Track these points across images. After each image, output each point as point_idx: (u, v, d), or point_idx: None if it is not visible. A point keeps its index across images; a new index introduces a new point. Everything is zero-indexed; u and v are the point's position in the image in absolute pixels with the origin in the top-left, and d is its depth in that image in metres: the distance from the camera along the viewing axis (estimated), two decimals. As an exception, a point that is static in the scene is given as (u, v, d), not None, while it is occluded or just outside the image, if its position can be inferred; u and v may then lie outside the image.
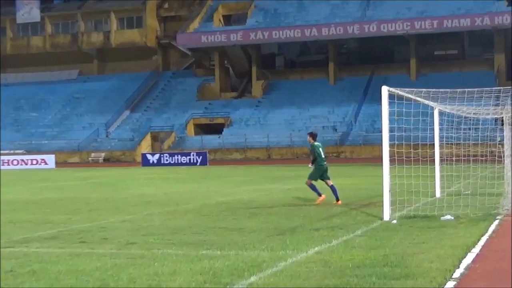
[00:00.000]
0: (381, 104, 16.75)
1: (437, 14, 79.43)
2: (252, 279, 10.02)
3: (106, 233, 15.43)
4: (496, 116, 25.05)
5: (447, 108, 22.01)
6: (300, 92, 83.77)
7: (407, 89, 18.00)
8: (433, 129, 22.36)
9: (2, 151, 73.08)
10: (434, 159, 22.12)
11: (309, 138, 21.81)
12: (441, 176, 22.46)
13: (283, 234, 14.61)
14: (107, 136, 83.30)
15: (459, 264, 10.83)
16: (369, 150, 69.91)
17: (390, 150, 16.77)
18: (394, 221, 16.05)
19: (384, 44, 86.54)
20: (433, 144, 22.39)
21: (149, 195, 26.94)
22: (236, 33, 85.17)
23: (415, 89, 18.47)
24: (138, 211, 20.35)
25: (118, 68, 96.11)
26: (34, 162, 68.75)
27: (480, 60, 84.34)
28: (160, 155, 67.11)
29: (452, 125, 23.40)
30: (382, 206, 16.69)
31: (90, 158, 78.19)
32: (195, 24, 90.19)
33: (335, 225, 15.90)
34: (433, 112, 22.19)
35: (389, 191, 16.62)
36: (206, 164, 63.56)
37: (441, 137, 22.92)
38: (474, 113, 23.09)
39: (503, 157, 21.12)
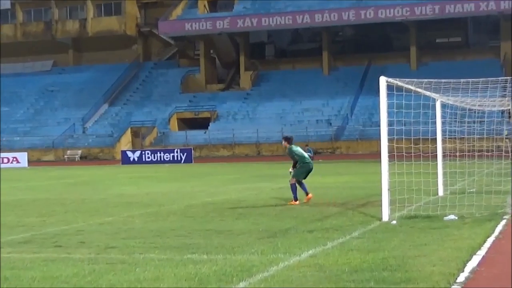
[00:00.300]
0: (379, 96, 16.76)
1: (439, -2, 79.63)
2: (241, 285, 10.02)
3: (84, 236, 15.40)
4: (502, 108, 25.18)
5: (450, 100, 22.07)
6: (292, 84, 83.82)
7: (407, 80, 18.03)
8: (435, 123, 22.42)
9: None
10: (436, 155, 22.15)
11: (284, 143, 22.30)
12: (444, 173, 22.52)
13: (274, 236, 14.62)
14: (84, 132, 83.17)
15: (464, 267, 10.85)
16: (366, 146, 70.06)
17: (389, 146, 16.79)
18: (394, 222, 16.08)
19: (382, 31, 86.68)
20: (435, 138, 22.45)
21: (130, 196, 26.92)
22: (222, 20, 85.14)
23: (415, 80, 18.48)
24: (118, 213, 20.33)
25: (96, 58, 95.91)
26: (5, 160, 68.63)
27: (485, 48, 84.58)
28: (141, 152, 67.15)
29: (456, 118, 23.49)
30: (381, 205, 16.72)
31: (65, 156, 78.06)
32: (178, 11, 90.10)
33: (330, 226, 15.92)
34: (435, 104, 22.25)
35: (388, 189, 16.65)
36: (191, 162, 63.62)
37: (443, 131, 22.99)
38: (479, 105, 23.18)
39: (510, 152, 21.20)
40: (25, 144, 78.98)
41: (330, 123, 76.29)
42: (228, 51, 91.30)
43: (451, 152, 23.87)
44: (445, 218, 16.52)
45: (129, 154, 67.45)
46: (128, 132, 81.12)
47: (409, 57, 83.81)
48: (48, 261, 12.27)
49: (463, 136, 25.27)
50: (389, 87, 16.94)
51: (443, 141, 22.82)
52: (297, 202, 21.38)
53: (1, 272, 11.25)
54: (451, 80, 19.17)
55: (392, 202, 16.99)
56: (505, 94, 22.87)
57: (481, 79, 19.16)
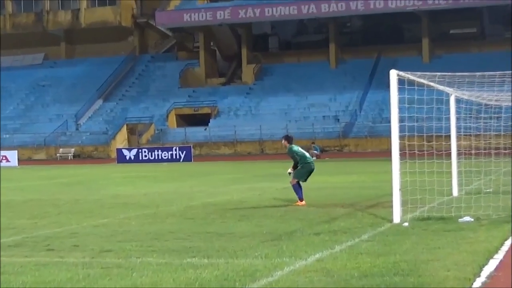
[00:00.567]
0: (389, 90, 16.77)
1: (453, -13, 79.59)
2: (244, 290, 10.05)
3: (77, 239, 15.42)
4: (520, 103, 25.10)
5: (465, 95, 22.06)
6: (297, 78, 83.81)
7: (419, 73, 18.02)
8: (449, 119, 22.41)
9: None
10: (450, 153, 22.16)
11: (284, 142, 22.34)
12: (459, 172, 22.51)
13: (278, 239, 14.63)
14: (77, 129, 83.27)
15: (480, 272, 10.86)
16: (376, 143, 70.08)
17: (400, 143, 16.79)
18: (406, 224, 16.09)
19: (392, 21, 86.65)
20: (449, 135, 22.44)
21: (126, 196, 26.94)
22: (223, 11, 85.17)
23: (428, 73, 18.50)
24: (114, 214, 20.35)
25: (89, 51, 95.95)
26: (-6, 159, 68.63)
27: (501, 39, 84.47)
28: (138, 150, 67.17)
29: (471, 114, 23.46)
30: (392, 206, 16.73)
31: (58, 155, 78.13)
32: (176, 1, 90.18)
33: (338, 228, 15.94)
34: (448, 99, 22.24)
35: (400, 189, 16.65)
36: (191, 160, 63.65)
37: (458, 128, 22.98)
38: (495, 100, 23.14)
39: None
40: (15, 142, 79.05)
41: (338, 119, 76.29)
42: (229, 43, 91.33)
43: (466, 150, 23.84)
44: (460, 220, 16.52)
45: (125, 152, 67.48)
46: (124, 129, 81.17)
47: (421, 49, 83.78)
48: (40, 265, 12.29)
49: (479, 133, 25.26)
50: (400, 81, 16.93)
51: (458, 138, 22.81)
52: (303, 202, 21.38)
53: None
54: (466, 74, 19.17)
55: (403, 203, 16.99)
56: (523, 88, 22.85)
57: (497, 72, 19.16)
